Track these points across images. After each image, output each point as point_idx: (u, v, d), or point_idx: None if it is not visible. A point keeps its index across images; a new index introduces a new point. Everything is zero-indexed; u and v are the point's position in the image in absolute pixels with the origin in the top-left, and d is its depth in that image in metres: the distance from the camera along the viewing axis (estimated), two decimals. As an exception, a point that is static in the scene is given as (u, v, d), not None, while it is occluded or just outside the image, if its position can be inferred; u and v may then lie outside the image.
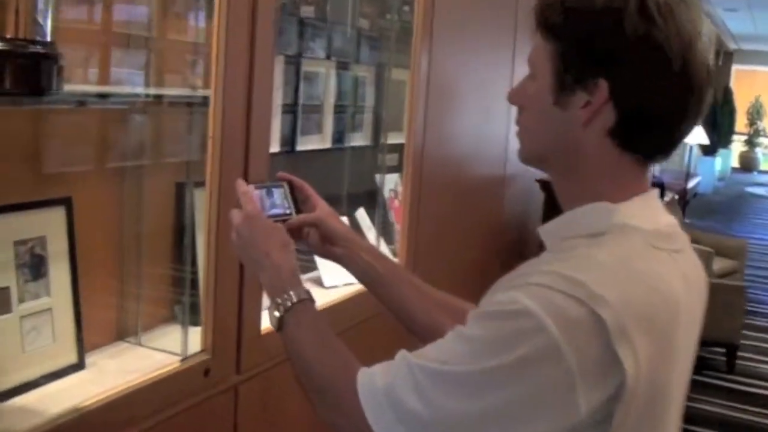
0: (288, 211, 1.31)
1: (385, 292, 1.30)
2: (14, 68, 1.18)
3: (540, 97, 0.98)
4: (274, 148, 2.19)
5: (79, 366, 1.54)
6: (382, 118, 2.55)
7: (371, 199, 2.52)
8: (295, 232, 1.30)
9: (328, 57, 2.33)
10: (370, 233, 2.48)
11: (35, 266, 1.46)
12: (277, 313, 1.12)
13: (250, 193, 1.24)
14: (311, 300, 1.15)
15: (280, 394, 1.78)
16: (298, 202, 1.34)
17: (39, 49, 1.21)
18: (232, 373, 1.66)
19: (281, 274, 1.15)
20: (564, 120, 0.97)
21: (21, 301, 1.43)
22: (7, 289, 1.40)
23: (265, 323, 1.79)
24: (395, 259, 2.47)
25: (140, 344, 1.71)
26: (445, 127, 2.72)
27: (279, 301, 1.12)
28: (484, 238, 3.23)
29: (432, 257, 2.64)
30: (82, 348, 1.55)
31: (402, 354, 0.97)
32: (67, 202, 1.51)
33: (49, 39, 1.23)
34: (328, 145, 2.39)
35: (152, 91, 1.63)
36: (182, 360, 1.56)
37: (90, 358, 1.59)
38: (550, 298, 0.85)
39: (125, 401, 1.43)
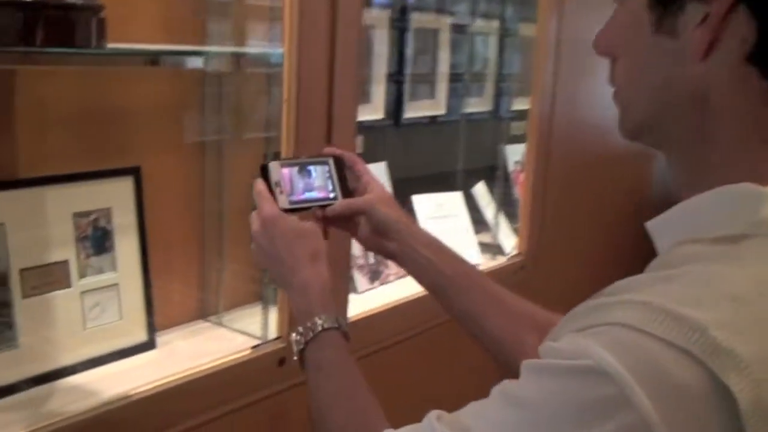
0: (331, 195, 1.08)
1: (449, 297, 1.03)
2: (47, 22, 1.06)
3: (635, 29, 0.68)
4: (376, 115, 2.02)
5: (148, 345, 1.44)
6: (504, 81, 2.29)
7: (491, 175, 2.30)
8: (340, 222, 1.08)
9: (440, 11, 2.11)
10: (489, 210, 2.26)
11: (99, 240, 1.36)
12: (296, 347, 0.92)
13: (265, 191, 1.01)
14: (340, 330, 0.92)
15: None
16: (347, 183, 1.11)
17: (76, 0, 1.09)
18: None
19: (308, 294, 0.94)
20: (675, 54, 0.66)
21: (82, 276, 1.33)
22: (65, 263, 1.31)
23: (354, 309, 1.66)
24: (476, 259, 2.24)
25: (221, 324, 1.60)
26: (579, 90, 2.42)
27: (301, 330, 0.92)
28: (626, 221, 2.88)
29: (560, 241, 2.38)
30: (153, 326, 1.44)
31: (430, 420, 0.70)
32: (135, 172, 1.41)
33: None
34: (441, 112, 2.18)
35: (228, 48, 1.48)
36: (254, 347, 1.42)
37: (165, 337, 1.49)
38: (643, 349, 0.56)
39: (187, 388, 1.31)
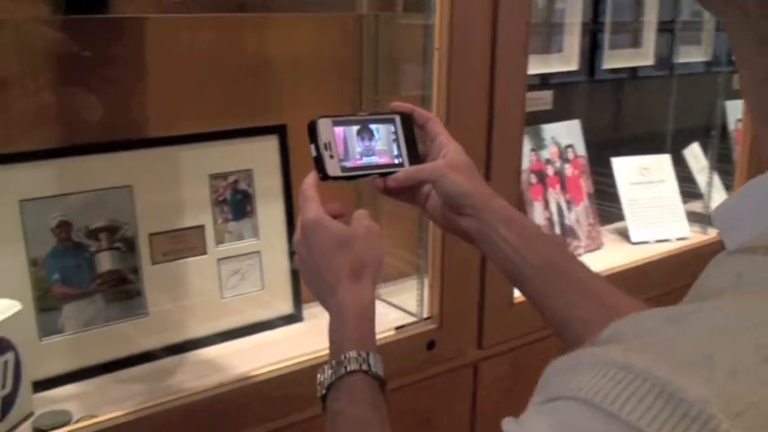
0: (396, 161, 0.87)
1: (529, 285, 0.79)
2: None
3: None
4: (569, 67, 1.75)
5: (294, 317, 1.32)
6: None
7: (705, 136, 1.95)
8: (406, 194, 0.87)
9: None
10: (702, 175, 1.92)
11: (238, 203, 1.25)
12: (320, 388, 0.73)
13: (309, 189, 0.80)
14: (369, 373, 0.71)
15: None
16: (417, 145, 0.89)
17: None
18: (471, 347, 1.31)
19: (342, 321, 0.74)
20: None
21: (219, 242, 1.23)
22: (201, 227, 1.21)
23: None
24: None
25: (379, 297, 1.45)
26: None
27: (327, 368, 0.72)
28: None
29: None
30: (299, 297, 1.32)
31: None
32: (280, 131, 1.27)
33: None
34: (648, 62, 1.86)
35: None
36: (398, 328, 1.25)
37: (315, 309, 1.37)
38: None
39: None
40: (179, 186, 1.19)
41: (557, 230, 1.69)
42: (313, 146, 0.81)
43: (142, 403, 1.01)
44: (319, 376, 0.73)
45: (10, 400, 0.95)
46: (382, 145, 0.86)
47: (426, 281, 1.33)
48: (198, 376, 1.12)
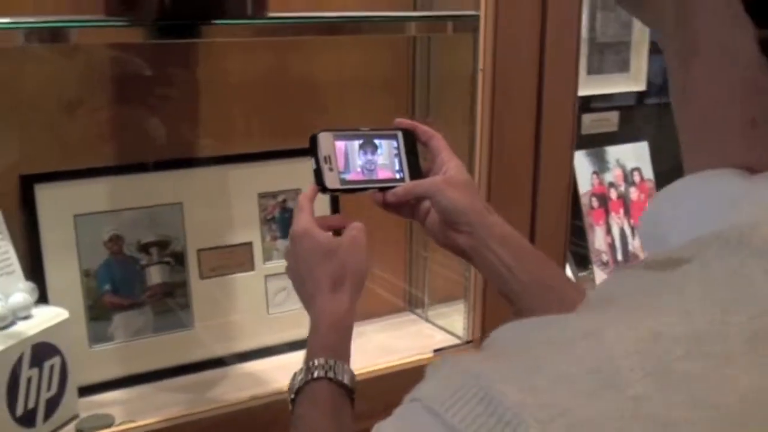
0: (398, 175, 0.88)
1: (521, 308, 0.79)
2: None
3: None
4: (636, 87, 1.71)
5: (341, 336, 1.34)
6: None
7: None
8: (405, 209, 0.88)
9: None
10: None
11: (286, 222, 1.28)
12: (290, 392, 0.77)
13: (304, 200, 0.83)
14: (333, 381, 0.75)
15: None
16: (419, 162, 0.90)
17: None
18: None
19: (317, 329, 0.78)
20: None
21: (267, 259, 1.26)
22: (249, 244, 1.24)
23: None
24: None
25: (427, 319, 1.45)
26: None
27: (297, 372, 0.77)
28: None
29: None
30: (346, 316, 1.34)
31: None
32: (330, 151, 1.30)
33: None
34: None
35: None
36: (436, 351, 1.25)
37: (362, 328, 1.37)
38: None
39: (364, 386, 1.18)
40: (229, 204, 1.22)
41: (619, 256, 1.65)
42: (313, 159, 0.84)
43: (180, 411, 1.05)
44: (290, 380, 0.77)
45: (55, 402, 1.00)
46: (383, 159, 0.88)
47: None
48: (239, 389, 1.15)
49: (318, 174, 0.84)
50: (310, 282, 0.80)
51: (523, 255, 0.81)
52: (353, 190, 0.87)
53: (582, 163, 1.60)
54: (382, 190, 0.87)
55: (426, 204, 0.86)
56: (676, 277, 0.33)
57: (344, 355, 0.78)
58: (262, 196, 1.25)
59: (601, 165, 1.65)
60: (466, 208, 0.82)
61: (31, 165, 1.07)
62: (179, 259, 1.18)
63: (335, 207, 1.30)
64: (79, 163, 1.10)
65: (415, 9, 1.34)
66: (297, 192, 1.28)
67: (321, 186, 0.84)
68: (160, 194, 1.16)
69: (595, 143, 1.64)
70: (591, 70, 1.59)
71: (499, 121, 1.16)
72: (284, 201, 1.27)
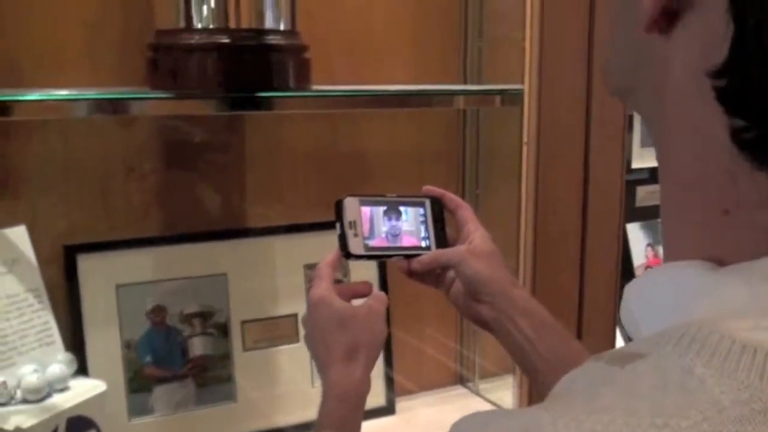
0: (423, 243, 0.84)
1: (540, 378, 0.75)
2: (232, 63, 0.97)
3: None
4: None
5: (386, 410, 1.28)
6: None
7: None
8: (430, 278, 0.84)
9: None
10: None
11: (332, 293, 1.24)
12: None
13: (324, 268, 0.80)
14: None
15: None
16: (446, 230, 0.86)
17: (271, 40, 0.99)
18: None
19: (327, 401, 0.74)
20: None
21: (311, 331, 1.22)
22: (294, 316, 1.20)
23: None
24: None
25: (477, 393, 1.38)
26: None
27: None
28: None
29: None
30: (392, 389, 1.28)
31: None
32: (376, 223, 1.26)
33: (284, 27, 1.00)
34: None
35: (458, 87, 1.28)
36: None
37: (409, 402, 1.32)
38: None
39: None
40: (274, 275, 1.19)
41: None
42: (338, 224, 0.81)
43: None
44: None
45: (90, 478, 0.96)
46: (409, 227, 0.85)
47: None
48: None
49: (342, 239, 0.81)
50: (323, 351, 0.76)
51: (545, 329, 0.78)
52: (377, 256, 0.85)
53: (636, 235, 1.54)
54: (408, 257, 0.83)
55: (451, 273, 0.83)
56: (629, 375, 0.31)
57: (353, 427, 0.74)
58: (309, 267, 1.21)
59: (655, 237, 1.57)
60: (490, 279, 0.79)
61: (75, 235, 1.06)
62: (223, 330, 1.15)
63: (382, 272, 1.26)
64: (123, 233, 1.09)
65: (465, 82, 1.32)
66: (344, 268, 1.24)
67: (345, 252, 0.81)
68: (205, 264, 1.14)
69: (650, 216, 1.58)
70: (645, 143, 1.53)
71: (544, 193, 1.11)
72: (339, 281, 1.23)
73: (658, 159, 0.38)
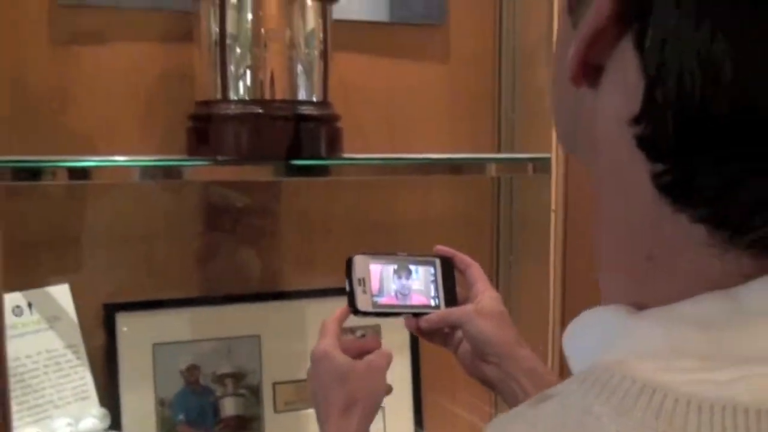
0: (433, 302, 0.85)
1: None
2: (266, 132, 1.02)
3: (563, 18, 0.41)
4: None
5: (418, 478, 1.26)
6: None
7: None
8: (439, 337, 0.86)
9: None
10: None
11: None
12: None
13: (330, 323, 0.83)
14: None
15: None
16: (455, 290, 0.87)
17: (303, 110, 1.03)
18: None
19: None
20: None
21: (342, 394, 1.22)
22: (325, 379, 1.21)
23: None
24: None
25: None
26: None
27: None
28: None
29: None
30: (423, 455, 1.27)
31: None
32: (410, 288, 1.28)
33: (316, 98, 1.04)
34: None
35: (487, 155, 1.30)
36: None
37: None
38: None
39: None
40: (306, 337, 1.21)
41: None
42: (347, 281, 0.83)
43: None
44: None
45: None
46: (419, 285, 0.86)
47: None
48: None
49: (351, 296, 0.84)
50: (323, 404, 0.78)
51: (545, 386, 0.77)
52: (386, 314, 0.86)
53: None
54: (416, 315, 0.85)
55: (459, 333, 0.84)
56: (535, 412, 0.32)
57: None
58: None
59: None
60: (496, 339, 0.80)
61: (116, 294, 1.10)
62: (254, 391, 1.16)
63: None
64: (162, 294, 1.13)
65: (498, 150, 1.34)
66: (375, 328, 1.25)
67: (353, 308, 0.84)
68: (239, 326, 1.16)
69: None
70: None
71: (572, 260, 1.12)
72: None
73: (594, 210, 0.39)
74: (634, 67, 0.31)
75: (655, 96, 0.31)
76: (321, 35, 1.04)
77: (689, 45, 0.29)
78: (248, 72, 1.00)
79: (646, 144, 0.32)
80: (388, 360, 0.82)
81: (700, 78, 0.29)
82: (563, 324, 1.11)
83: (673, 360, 0.30)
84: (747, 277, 0.31)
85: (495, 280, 1.34)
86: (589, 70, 0.34)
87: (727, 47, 0.28)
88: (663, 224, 0.33)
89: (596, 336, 0.35)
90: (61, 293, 1.03)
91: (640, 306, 0.34)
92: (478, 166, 1.26)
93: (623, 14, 0.31)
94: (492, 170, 1.28)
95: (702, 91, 0.29)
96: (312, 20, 1.03)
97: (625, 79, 0.32)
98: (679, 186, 0.31)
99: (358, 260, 0.84)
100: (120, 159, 1.01)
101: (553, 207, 1.13)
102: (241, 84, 1.00)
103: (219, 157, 1.01)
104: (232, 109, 1.00)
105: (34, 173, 0.94)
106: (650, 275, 0.34)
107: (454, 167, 1.24)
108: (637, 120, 0.32)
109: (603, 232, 0.38)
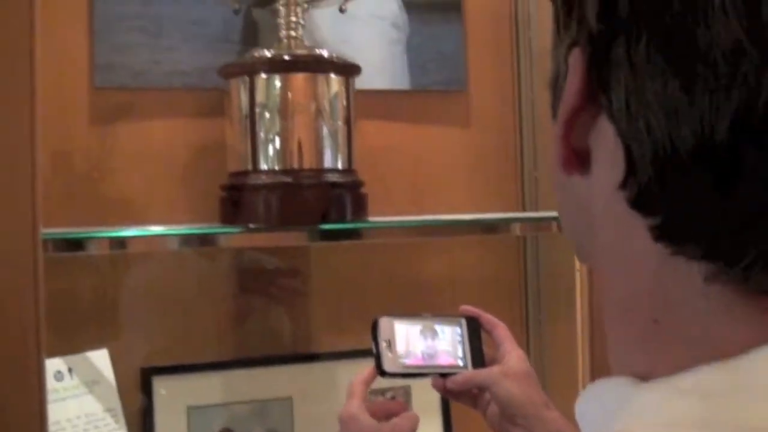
0: (460, 363, 0.86)
1: None
2: (294, 199, 1.06)
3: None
4: None
5: None
6: None
7: None
8: (466, 398, 0.86)
9: None
10: None
11: (395, 417, 1.26)
12: None
13: (357, 385, 0.84)
14: None
15: None
16: (482, 350, 0.87)
17: (329, 177, 1.07)
18: None
19: None
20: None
21: (374, 455, 1.23)
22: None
23: None
24: None
25: None
26: None
27: None
28: None
29: None
30: None
31: None
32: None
33: (342, 166, 1.08)
34: None
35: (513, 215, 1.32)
36: None
37: None
38: None
39: None
40: (338, 399, 1.21)
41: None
42: (373, 343, 0.85)
43: None
44: None
45: None
46: (446, 346, 0.87)
47: None
48: None
49: (377, 358, 0.85)
50: None
51: None
52: (412, 374, 0.88)
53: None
54: (443, 375, 0.86)
55: (488, 395, 0.84)
56: None
57: None
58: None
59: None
60: (523, 401, 0.80)
61: (153, 358, 1.13)
62: (287, 452, 1.18)
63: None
64: (197, 357, 1.16)
65: (523, 210, 1.36)
66: (406, 389, 1.27)
67: (380, 370, 0.85)
68: (271, 388, 1.18)
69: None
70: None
71: (600, 317, 1.12)
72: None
73: (600, 293, 0.40)
74: (612, 135, 0.34)
75: (633, 153, 0.32)
76: (345, 105, 1.08)
77: (649, 95, 0.31)
78: (277, 143, 1.05)
79: (639, 201, 0.33)
80: (414, 423, 0.82)
81: (664, 119, 0.31)
82: (594, 379, 1.11)
83: (673, 428, 0.31)
84: (750, 343, 0.32)
85: (525, 339, 1.35)
86: (578, 156, 0.36)
87: (679, 87, 0.30)
88: (666, 283, 0.34)
89: (602, 407, 0.36)
90: (100, 358, 1.07)
91: (646, 375, 0.35)
92: (504, 225, 1.28)
93: (591, 87, 0.34)
94: (517, 229, 1.30)
95: (669, 131, 0.31)
96: (336, 92, 1.08)
97: (608, 151, 0.34)
98: (675, 230, 0.33)
99: (384, 322, 0.86)
100: (157, 228, 1.05)
101: (577, 267, 1.14)
102: (270, 154, 1.05)
103: (251, 225, 1.05)
104: (263, 179, 1.05)
105: (75, 244, 0.99)
106: (657, 340, 0.35)
107: (480, 227, 1.26)
108: (624, 182, 0.33)
109: (609, 305, 0.39)
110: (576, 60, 0.34)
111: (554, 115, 0.38)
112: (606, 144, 0.34)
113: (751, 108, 0.29)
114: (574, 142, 0.36)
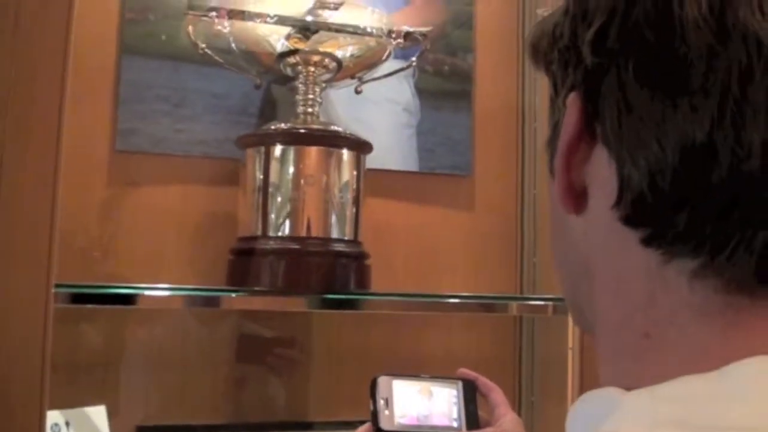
0: (455, 423, 0.87)
1: None
2: (299, 266, 1.08)
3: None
4: None
5: None
6: None
7: None
8: None
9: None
10: None
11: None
12: None
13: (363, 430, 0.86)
14: None
15: None
16: (477, 413, 0.89)
17: (335, 247, 1.09)
18: None
19: None
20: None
21: None
22: None
23: None
24: None
25: None
26: None
27: None
28: None
29: None
30: None
31: None
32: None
33: (348, 237, 1.11)
34: None
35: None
36: None
37: None
38: None
39: None
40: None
41: None
42: (371, 401, 0.86)
43: None
44: None
45: None
46: (441, 407, 0.88)
47: None
48: None
49: (374, 415, 0.86)
50: None
51: None
52: None
53: None
54: None
55: None
56: None
57: None
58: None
59: None
60: None
61: (149, 417, 1.13)
62: None
63: None
64: (193, 419, 1.16)
65: (520, 291, 1.38)
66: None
67: (376, 427, 0.86)
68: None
69: None
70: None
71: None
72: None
73: (592, 329, 0.41)
74: (606, 160, 0.36)
75: (624, 171, 0.35)
76: (355, 180, 1.12)
77: (638, 110, 0.34)
78: (287, 212, 1.08)
79: (631, 215, 0.35)
80: None
81: (654, 129, 0.33)
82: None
83: (655, 429, 0.32)
84: (732, 355, 0.33)
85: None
86: (576, 193, 0.38)
87: (664, 100, 0.33)
88: (657, 297, 0.35)
89: (590, 415, 0.37)
90: (97, 414, 1.06)
91: (633, 386, 0.35)
92: (501, 306, 1.30)
93: (587, 118, 0.36)
94: (513, 310, 1.32)
95: (657, 139, 0.33)
96: (347, 168, 1.11)
97: (602, 178, 0.36)
98: (666, 232, 0.34)
99: (383, 381, 0.88)
100: (163, 286, 1.07)
101: (570, 345, 1.15)
102: (280, 223, 1.08)
103: (256, 288, 1.07)
104: (271, 245, 1.07)
105: (87, 299, 1.00)
106: (646, 353, 0.36)
107: (478, 306, 1.28)
108: (619, 200, 0.35)
109: (603, 330, 0.40)
110: (573, 99, 0.37)
111: (551, 170, 0.40)
112: (601, 172, 0.37)
113: (723, 110, 0.32)
114: (573, 178, 0.38)
